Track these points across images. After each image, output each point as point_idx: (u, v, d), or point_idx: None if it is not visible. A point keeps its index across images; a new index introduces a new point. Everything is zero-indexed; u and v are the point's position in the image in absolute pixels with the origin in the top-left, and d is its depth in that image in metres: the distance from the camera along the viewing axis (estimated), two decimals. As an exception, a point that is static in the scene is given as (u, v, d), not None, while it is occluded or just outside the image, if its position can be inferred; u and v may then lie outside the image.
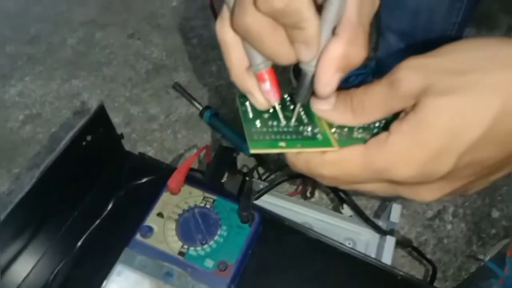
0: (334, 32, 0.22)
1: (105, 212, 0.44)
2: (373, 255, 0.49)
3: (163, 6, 1.03)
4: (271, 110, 0.28)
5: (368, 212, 0.53)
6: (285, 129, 0.27)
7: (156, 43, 0.96)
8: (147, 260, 0.39)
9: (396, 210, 0.49)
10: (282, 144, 0.26)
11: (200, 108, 0.81)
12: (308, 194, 0.63)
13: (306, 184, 0.63)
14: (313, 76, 0.24)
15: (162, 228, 0.41)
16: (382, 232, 0.48)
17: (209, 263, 0.39)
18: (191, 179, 0.44)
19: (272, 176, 0.66)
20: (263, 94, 0.26)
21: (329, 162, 0.25)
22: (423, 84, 0.22)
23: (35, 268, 0.43)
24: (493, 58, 0.21)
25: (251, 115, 0.28)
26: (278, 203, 0.54)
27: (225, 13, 0.24)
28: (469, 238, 0.75)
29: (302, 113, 0.28)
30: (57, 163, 0.41)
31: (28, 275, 0.42)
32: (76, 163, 0.43)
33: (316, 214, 0.52)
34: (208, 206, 0.42)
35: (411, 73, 0.22)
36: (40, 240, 0.43)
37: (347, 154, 0.24)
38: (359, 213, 0.49)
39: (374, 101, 0.24)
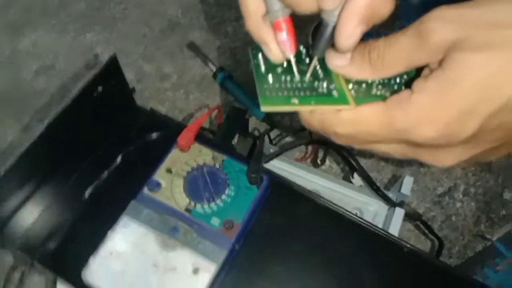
0: None
1: (114, 165, 0.44)
2: (380, 226, 0.49)
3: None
4: (285, 65, 0.26)
5: (378, 184, 0.52)
6: (299, 85, 0.26)
7: (171, 0, 0.94)
8: (153, 214, 0.39)
9: (407, 183, 0.48)
10: (295, 101, 0.25)
11: (214, 69, 0.79)
12: (319, 162, 0.62)
13: (317, 151, 0.62)
14: (334, 28, 0.22)
15: (170, 184, 0.40)
16: (392, 204, 0.47)
17: (216, 221, 0.38)
18: (201, 138, 0.44)
19: (283, 142, 0.65)
20: (278, 45, 0.25)
21: (345, 121, 0.24)
22: (456, 37, 0.20)
23: (40, 217, 0.43)
24: None
25: (263, 69, 0.26)
26: (287, 168, 0.53)
27: None
28: (478, 217, 0.74)
29: (318, 67, 0.26)
30: (67, 113, 0.40)
31: (33, 223, 0.43)
32: (86, 114, 0.43)
33: (325, 182, 0.52)
34: (217, 165, 0.41)
35: (443, 24, 0.20)
36: (46, 190, 0.44)
37: (365, 112, 0.23)
38: (370, 183, 0.48)
39: (396, 53, 0.22)
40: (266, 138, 0.59)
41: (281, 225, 0.41)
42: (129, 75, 0.82)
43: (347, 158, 0.48)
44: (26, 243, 0.42)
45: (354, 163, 0.48)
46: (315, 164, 0.63)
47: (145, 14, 0.92)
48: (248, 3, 0.24)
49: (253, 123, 0.71)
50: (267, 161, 0.48)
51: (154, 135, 0.45)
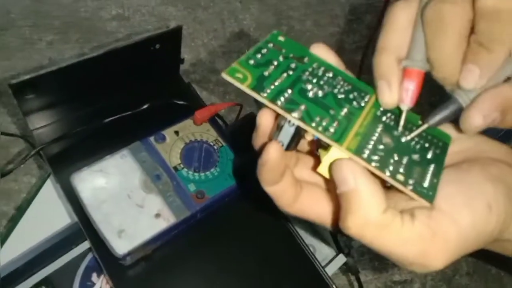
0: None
1: (138, 110, 0.51)
2: (323, 268, 0.54)
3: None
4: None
5: (344, 239, 0.57)
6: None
7: (253, 13, 1.03)
8: (148, 158, 0.45)
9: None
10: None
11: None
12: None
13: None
14: (460, 110, 0.22)
15: (172, 143, 0.47)
16: (340, 251, 0.52)
17: (192, 187, 0.45)
18: (214, 122, 0.50)
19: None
20: (400, 91, 0.23)
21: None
22: None
23: (60, 122, 0.50)
24: None
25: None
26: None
27: None
28: (418, 317, 0.77)
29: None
30: (121, 50, 0.47)
31: (52, 123, 0.50)
32: (136, 59, 0.50)
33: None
34: (215, 147, 0.48)
35: None
36: (75, 105, 0.50)
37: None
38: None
39: None
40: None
41: (240, 218, 0.47)
42: (186, 55, 0.90)
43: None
44: (40, 135, 0.49)
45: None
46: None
47: (225, 13, 1.02)
48: (391, 37, 0.23)
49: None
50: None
51: (180, 102, 0.52)
